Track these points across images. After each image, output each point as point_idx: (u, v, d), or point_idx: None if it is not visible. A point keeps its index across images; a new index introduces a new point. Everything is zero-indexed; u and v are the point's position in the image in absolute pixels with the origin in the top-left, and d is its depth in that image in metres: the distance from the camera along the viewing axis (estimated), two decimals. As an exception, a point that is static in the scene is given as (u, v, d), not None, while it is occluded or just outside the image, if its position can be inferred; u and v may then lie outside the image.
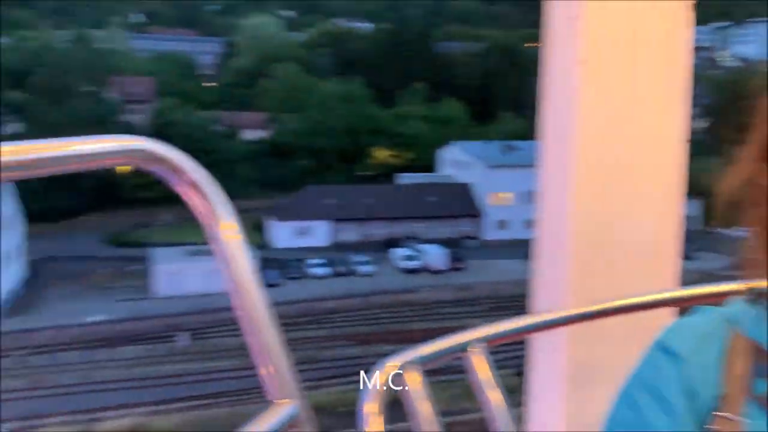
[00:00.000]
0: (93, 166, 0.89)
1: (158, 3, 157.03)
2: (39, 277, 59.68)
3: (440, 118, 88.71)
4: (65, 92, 75.51)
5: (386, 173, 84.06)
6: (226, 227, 0.95)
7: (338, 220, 72.04)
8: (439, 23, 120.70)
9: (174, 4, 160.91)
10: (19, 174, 0.77)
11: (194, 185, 0.94)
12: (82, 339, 49.69)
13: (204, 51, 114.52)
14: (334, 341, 50.17)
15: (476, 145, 79.72)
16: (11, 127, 75.49)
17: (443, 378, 31.22)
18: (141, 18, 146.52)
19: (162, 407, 40.32)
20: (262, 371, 1.02)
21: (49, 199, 63.79)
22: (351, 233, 72.52)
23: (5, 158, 0.74)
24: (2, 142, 0.77)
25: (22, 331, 49.75)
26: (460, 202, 75.95)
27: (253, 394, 41.78)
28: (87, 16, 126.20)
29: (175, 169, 0.94)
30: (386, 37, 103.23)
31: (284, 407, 1.00)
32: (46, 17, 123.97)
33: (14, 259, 57.60)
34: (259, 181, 76.72)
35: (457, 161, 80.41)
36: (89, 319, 51.70)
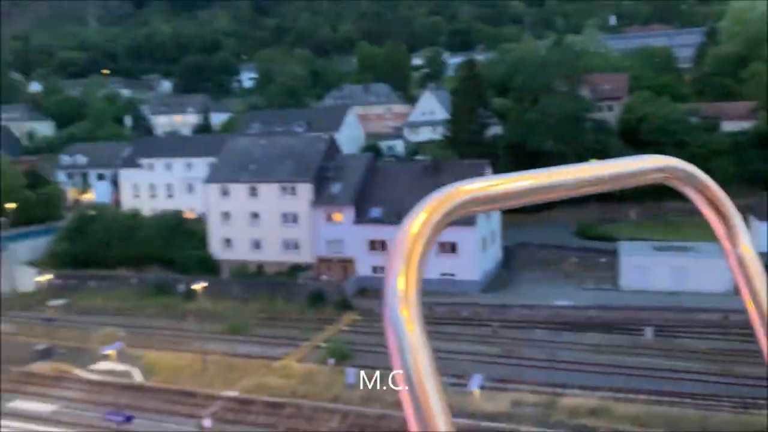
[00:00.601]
0: (631, 183, 0.98)
1: (634, 3, 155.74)
2: (512, 261, 65.03)
3: None
4: (541, 93, 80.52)
5: None
6: (744, 249, 1.01)
7: None
8: None
9: (649, 2, 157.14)
10: (568, 193, 0.91)
11: (716, 206, 1.00)
12: (549, 320, 52.12)
13: (681, 43, 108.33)
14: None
15: None
16: (493, 130, 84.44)
17: None
18: (616, 20, 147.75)
19: (622, 395, 39.23)
20: None
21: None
22: None
23: (559, 179, 0.89)
24: (550, 167, 0.91)
25: (496, 306, 54.95)
26: None
27: (723, 401, 37.40)
28: (565, 24, 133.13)
29: (702, 189, 0.99)
30: None
31: None
32: (528, 30, 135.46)
33: (492, 243, 64.07)
34: (741, 175, 68.42)
35: None
36: (556, 303, 53.88)
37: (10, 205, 73.35)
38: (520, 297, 56.24)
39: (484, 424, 36.33)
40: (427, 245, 0.94)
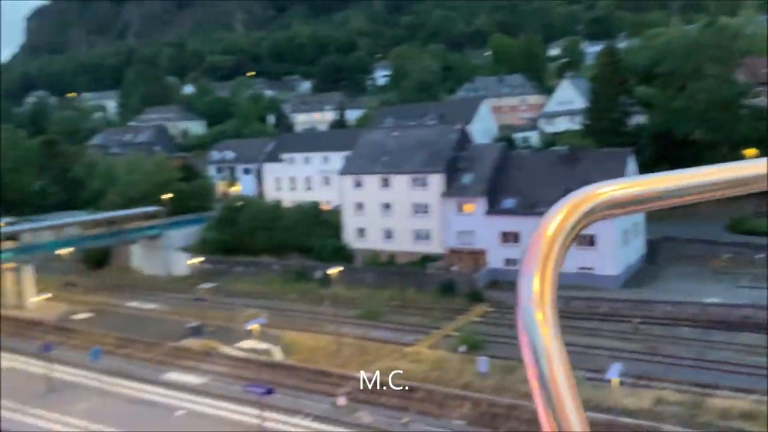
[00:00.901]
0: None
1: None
2: (657, 256, 61.37)
3: None
4: (689, 79, 75.21)
5: None
6: None
7: None
8: None
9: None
10: (715, 194, 0.86)
11: None
12: (696, 318, 48.67)
13: None
14: None
15: None
16: (637, 119, 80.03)
17: None
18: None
19: (782, 400, 35.78)
20: None
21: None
22: None
23: (707, 179, 0.83)
24: (696, 168, 0.85)
25: (637, 302, 52.10)
26: None
27: None
28: (718, 6, 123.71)
29: None
30: None
31: None
32: (677, 14, 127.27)
33: (635, 237, 60.79)
34: None
35: None
36: (706, 300, 50.24)
37: (167, 197, 79.77)
38: (665, 293, 52.97)
39: (625, 420, 34.58)
40: (563, 248, 0.93)
